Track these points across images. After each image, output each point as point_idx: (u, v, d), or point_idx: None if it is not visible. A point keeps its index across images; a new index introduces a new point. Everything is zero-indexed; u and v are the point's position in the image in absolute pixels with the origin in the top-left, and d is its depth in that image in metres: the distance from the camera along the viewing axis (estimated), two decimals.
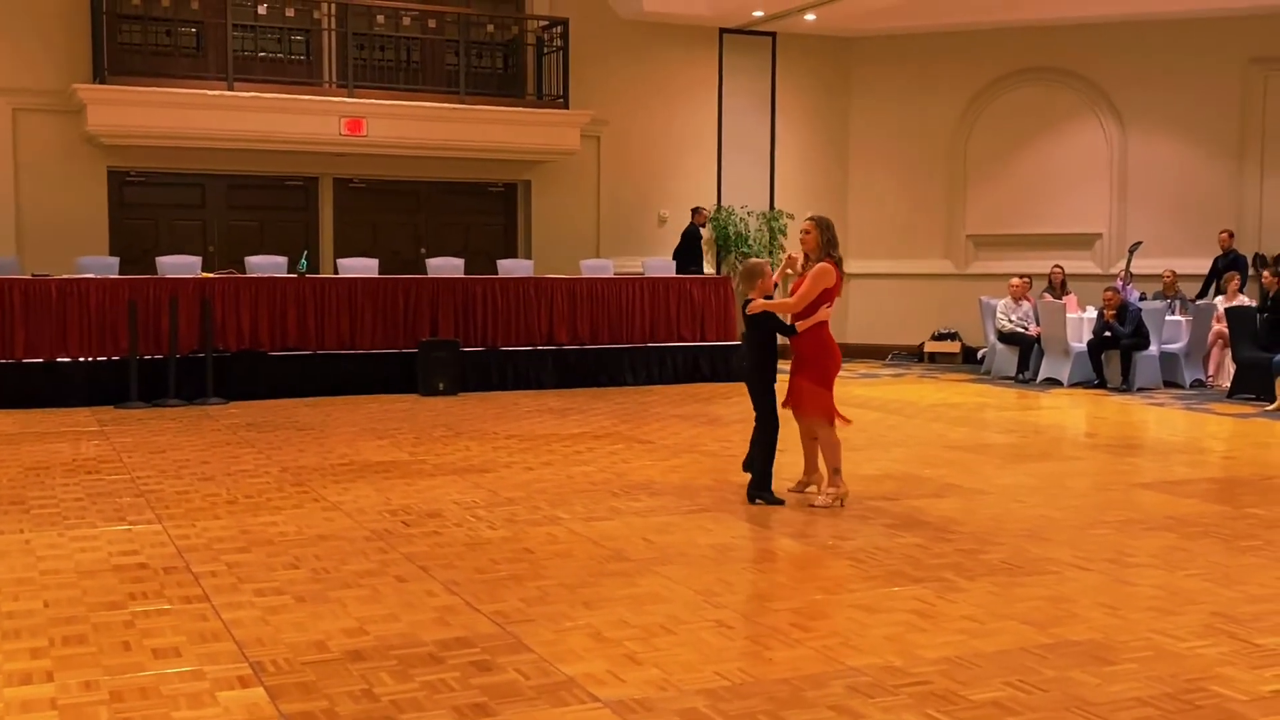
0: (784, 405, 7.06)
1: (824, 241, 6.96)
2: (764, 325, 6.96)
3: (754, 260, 7.15)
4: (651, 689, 4.05)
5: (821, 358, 6.95)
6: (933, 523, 6.58)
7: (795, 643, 4.53)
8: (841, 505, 6.95)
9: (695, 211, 16.03)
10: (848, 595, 5.18)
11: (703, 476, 7.97)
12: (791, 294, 7.06)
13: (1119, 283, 14.31)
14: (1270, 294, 12.75)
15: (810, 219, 7.06)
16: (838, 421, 6.99)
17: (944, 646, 4.48)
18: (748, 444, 7.25)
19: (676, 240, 16.08)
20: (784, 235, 17.01)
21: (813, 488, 7.17)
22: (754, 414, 7.07)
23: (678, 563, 5.70)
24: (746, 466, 7.18)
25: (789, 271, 7.35)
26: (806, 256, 7.10)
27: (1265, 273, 13.15)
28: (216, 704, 3.90)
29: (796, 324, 6.92)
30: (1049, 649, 4.47)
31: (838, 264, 6.97)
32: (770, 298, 6.98)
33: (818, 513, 6.83)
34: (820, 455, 7.07)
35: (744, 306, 7.04)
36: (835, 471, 6.98)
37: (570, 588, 5.25)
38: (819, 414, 6.95)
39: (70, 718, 3.78)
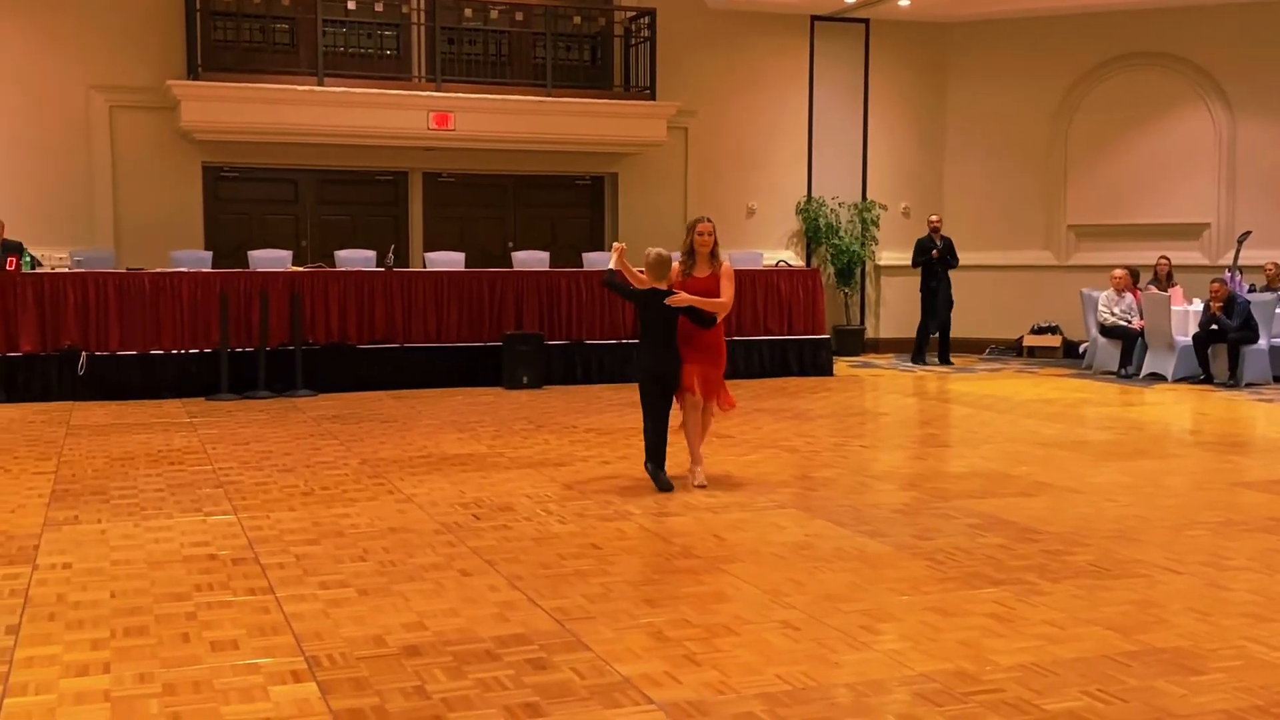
0: (694, 393, 7.16)
1: (716, 242, 7.35)
2: (672, 316, 7.10)
3: (662, 251, 7.21)
4: (708, 691, 3.91)
5: (724, 351, 7.39)
6: (1018, 522, 6.33)
7: (862, 646, 4.35)
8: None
9: (929, 222, 15.77)
10: (922, 597, 4.98)
11: (781, 472, 7.79)
12: (692, 292, 7.16)
13: (1227, 274, 13.77)
14: None
15: (709, 220, 7.35)
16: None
17: (1021, 653, 4.28)
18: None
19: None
20: (876, 226, 16.71)
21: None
22: (675, 396, 7.22)
23: (748, 561, 5.55)
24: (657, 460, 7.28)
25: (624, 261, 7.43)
26: (689, 254, 7.30)
27: None
28: (267, 699, 3.86)
29: (716, 317, 7.22)
30: (1133, 656, 4.24)
31: None
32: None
33: (897, 514, 6.63)
34: (700, 436, 7.38)
35: (654, 296, 7.08)
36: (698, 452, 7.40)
37: (634, 585, 5.13)
38: (725, 400, 7.38)
39: (121, 710, 3.76)
